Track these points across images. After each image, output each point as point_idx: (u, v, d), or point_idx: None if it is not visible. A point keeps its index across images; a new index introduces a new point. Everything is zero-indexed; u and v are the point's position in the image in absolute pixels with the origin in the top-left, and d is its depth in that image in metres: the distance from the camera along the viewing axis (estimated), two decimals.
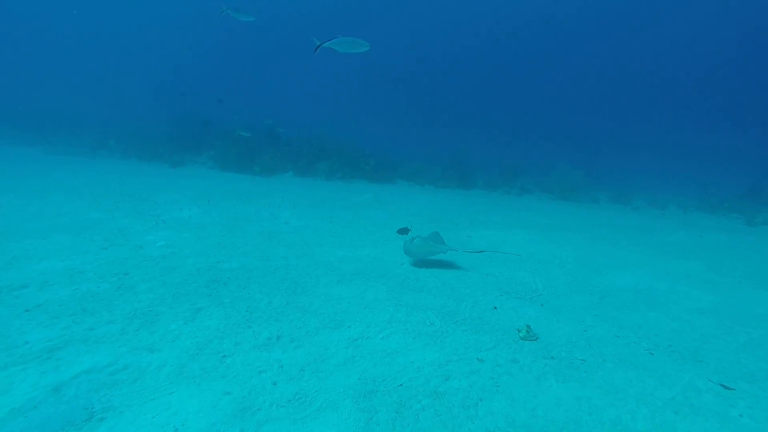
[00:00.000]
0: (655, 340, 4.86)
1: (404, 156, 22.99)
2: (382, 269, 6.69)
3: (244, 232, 8.61)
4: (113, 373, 3.40)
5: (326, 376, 3.59)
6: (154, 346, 3.90)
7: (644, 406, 3.48)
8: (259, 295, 5.43)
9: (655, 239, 10.80)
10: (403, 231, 8.25)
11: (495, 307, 5.47)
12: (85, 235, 7.42)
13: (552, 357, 4.25)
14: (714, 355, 4.54)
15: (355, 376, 3.62)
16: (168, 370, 3.52)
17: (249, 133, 16.84)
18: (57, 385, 3.18)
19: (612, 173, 25.48)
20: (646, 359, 4.33)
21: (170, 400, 3.13)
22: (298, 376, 3.57)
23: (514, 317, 5.21)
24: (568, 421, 3.20)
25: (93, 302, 4.79)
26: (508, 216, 12.98)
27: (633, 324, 5.31)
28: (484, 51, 67.33)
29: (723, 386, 3.80)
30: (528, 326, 4.68)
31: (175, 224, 8.65)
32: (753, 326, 5.42)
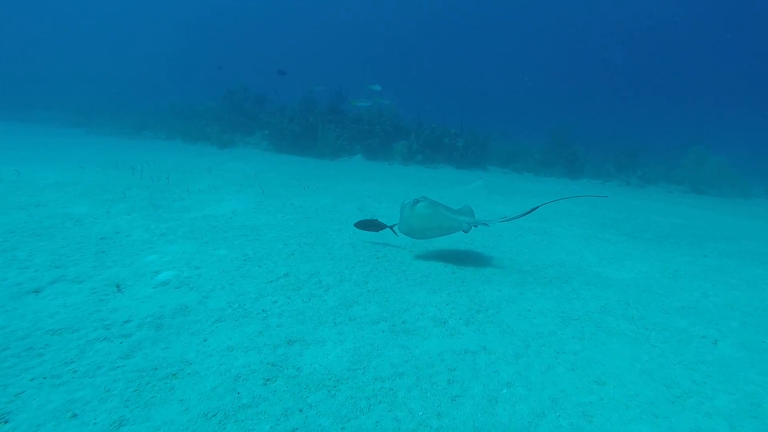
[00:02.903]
0: None
1: (489, 133, 18.48)
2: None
3: (329, 246, 4.72)
4: None
5: None
6: None
7: None
8: None
9: None
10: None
11: None
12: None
13: None
14: None
15: None
16: None
17: (368, 102, 12.84)
18: None
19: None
20: None
21: None
22: None
23: None
24: None
25: None
26: (648, 222, 8.44)
27: None
28: None
29: None
30: None
31: (206, 228, 4.89)
32: None
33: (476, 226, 4.47)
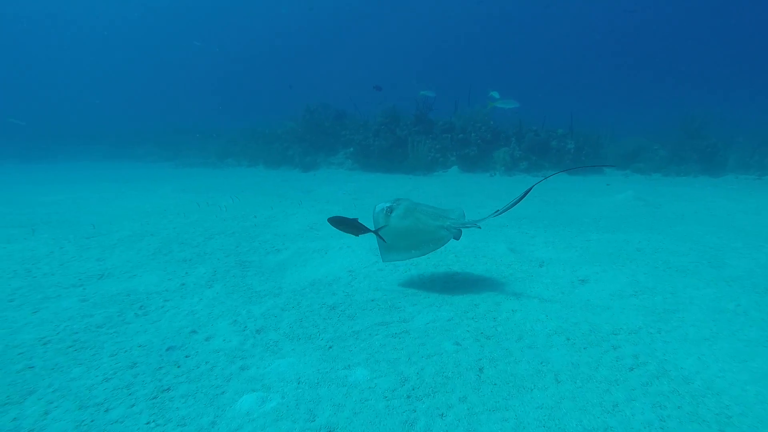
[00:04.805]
0: None
1: (601, 131, 15.70)
2: None
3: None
4: None
5: None
6: None
7: None
8: None
9: None
10: None
11: None
12: None
13: None
14: None
15: None
16: None
17: (517, 104, 10.73)
18: None
19: None
20: None
21: None
22: None
23: None
24: None
25: None
26: None
27: None
28: None
29: None
30: None
31: (320, 311, 3.19)
32: None
33: (467, 228, 3.45)
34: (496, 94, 9.68)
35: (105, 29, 58.55)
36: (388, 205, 3.55)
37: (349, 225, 3.07)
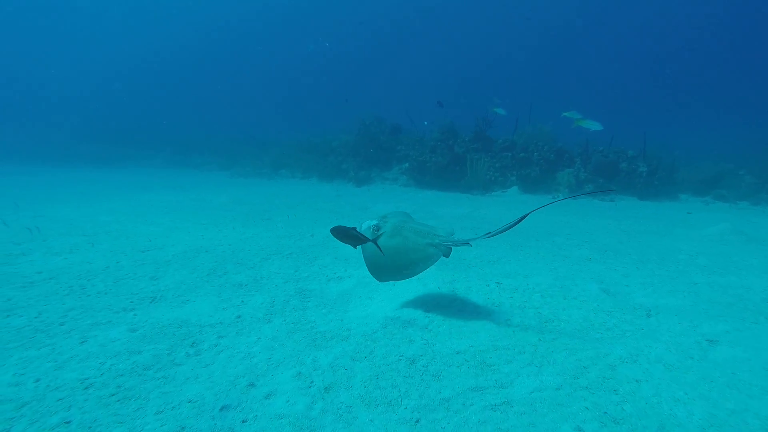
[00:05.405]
0: None
1: (674, 153, 14.42)
2: None
3: None
4: None
5: None
6: None
7: None
8: None
9: None
10: None
11: None
12: None
13: None
14: None
15: None
16: None
17: (601, 126, 9.55)
18: None
19: None
20: None
21: None
22: None
23: None
24: None
25: None
26: None
27: None
28: None
29: None
30: None
31: (398, 374, 2.69)
32: None
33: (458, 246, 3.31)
34: (576, 114, 8.90)
35: (172, 48, 61.73)
36: (375, 222, 3.45)
37: (347, 235, 2.82)
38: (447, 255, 3.22)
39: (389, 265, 3.18)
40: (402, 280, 3.26)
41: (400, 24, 57.63)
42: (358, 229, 3.20)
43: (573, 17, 51.79)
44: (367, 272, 4.50)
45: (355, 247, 2.94)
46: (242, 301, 3.62)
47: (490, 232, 3.11)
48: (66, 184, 13.86)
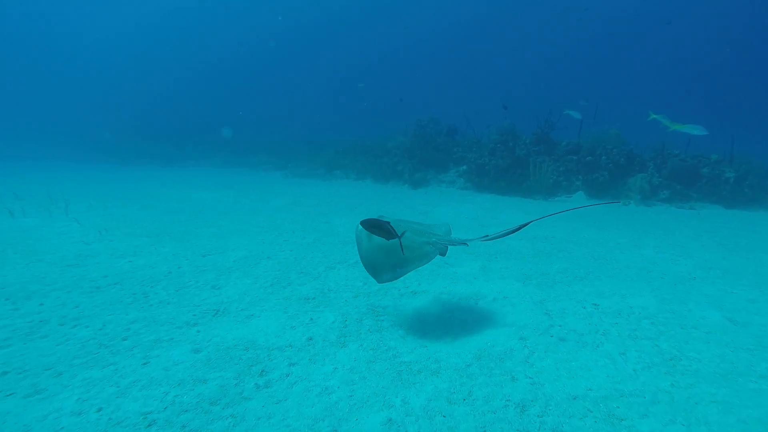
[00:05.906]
0: None
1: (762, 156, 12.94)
2: None
3: None
4: None
5: None
6: None
7: None
8: None
9: None
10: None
11: None
12: None
13: None
14: None
15: None
16: None
17: (706, 131, 8.72)
18: None
19: None
20: None
21: None
22: None
23: None
24: None
25: None
26: None
27: None
28: None
29: None
30: None
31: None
32: None
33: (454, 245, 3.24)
34: (665, 118, 7.90)
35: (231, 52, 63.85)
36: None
37: (380, 229, 2.88)
38: (443, 254, 3.21)
39: (386, 263, 3.15)
40: (399, 278, 3.17)
41: (458, 25, 56.58)
42: (357, 229, 3.38)
43: (638, 4, 48.06)
44: (444, 287, 4.05)
45: (388, 240, 2.97)
46: (311, 319, 3.28)
47: (488, 235, 3.12)
48: (130, 180, 14.33)
